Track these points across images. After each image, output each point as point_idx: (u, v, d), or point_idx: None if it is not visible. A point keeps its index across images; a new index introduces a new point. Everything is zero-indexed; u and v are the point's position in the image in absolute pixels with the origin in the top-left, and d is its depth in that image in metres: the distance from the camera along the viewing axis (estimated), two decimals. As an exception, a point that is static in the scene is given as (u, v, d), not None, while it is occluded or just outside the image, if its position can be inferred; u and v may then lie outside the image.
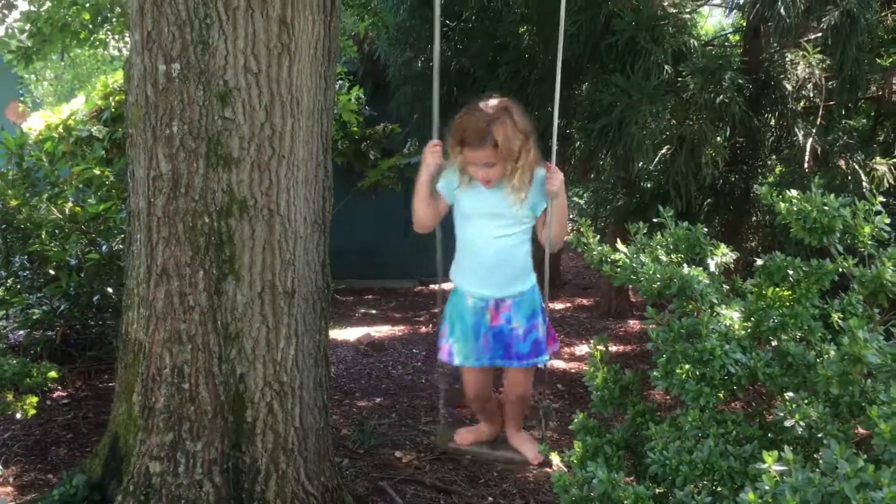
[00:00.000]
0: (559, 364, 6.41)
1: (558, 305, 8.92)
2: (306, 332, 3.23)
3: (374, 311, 8.59)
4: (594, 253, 2.56)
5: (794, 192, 2.32)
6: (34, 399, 3.78)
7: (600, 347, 2.61)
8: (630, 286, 2.51)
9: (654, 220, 2.69)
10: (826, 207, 2.23)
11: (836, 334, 2.21)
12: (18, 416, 3.75)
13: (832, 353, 2.05)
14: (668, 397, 4.89)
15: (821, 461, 1.68)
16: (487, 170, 2.76)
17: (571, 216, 13.71)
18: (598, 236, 2.66)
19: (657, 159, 5.56)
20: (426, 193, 2.89)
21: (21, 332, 5.18)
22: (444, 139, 2.83)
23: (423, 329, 7.71)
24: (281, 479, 3.11)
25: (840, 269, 2.27)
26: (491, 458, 3.34)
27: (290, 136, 3.06)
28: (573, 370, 6.22)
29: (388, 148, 8.81)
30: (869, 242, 2.25)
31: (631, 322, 8.08)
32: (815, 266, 2.27)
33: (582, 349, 6.91)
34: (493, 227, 2.87)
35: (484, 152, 2.71)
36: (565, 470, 2.29)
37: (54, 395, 4.95)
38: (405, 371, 6.21)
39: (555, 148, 2.88)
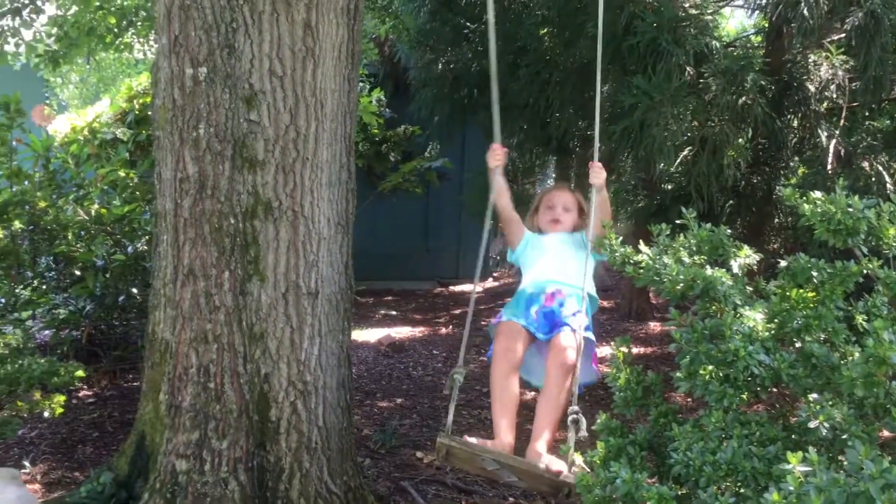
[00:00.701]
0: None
1: (578, 307, 8.90)
2: (329, 333, 3.26)
3: (394, 313, 8.63)
4: (617, 254, 2.56)
5: (818, 194, 2.32)
6: (62, 398, 3.83)
7: (623, 349, 2.61)
8: (651, 288, 2.51)
9: (677, 221, 2.69)
10: (851, 209, 2.23)
11: (860, 336, 2.20)
12: (46, 414, 3.81)
13: (857, 354, 2.05)
14: (689, 400, 4.87)
15: (845, 462, 1.68)
16: (563, 213, 3.41)
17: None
18: (620, 238, 2.66)
19: (678, 161, 5.54)
20: (499, 187, 3.34)
21: (47, 331, 5.25)
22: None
23: (444, 330, 7.73)
24: (304, 478, 3.14)
25: (864, 271, 2.26)
26: (504, 461, 2.73)
27: (314, 138, 3.09)
28: (593, 372, 6.21)
29: (409, 150, 8.84)
30: (894, 244, 2.25)
31: (651, 324, 8.05)
32: (839, 268, 2.26)
33: (602, 351, 6.89)
34: (561, 248, 3.34)
35: (568, 195, 3.48)
36: (588, 470, 2.30)
37: (80, 395, 5.02)
38: (426, 372, 6.23)
39: (597, 146, 3.21)
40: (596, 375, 3.21)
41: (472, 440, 2.87)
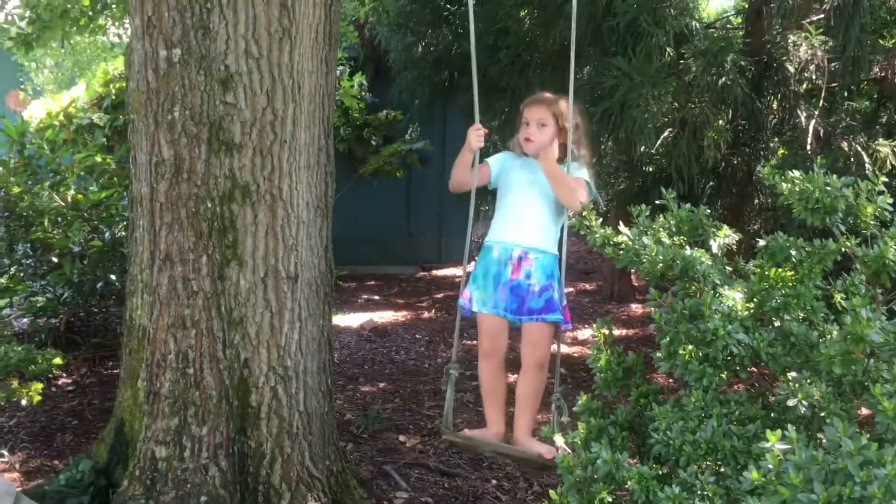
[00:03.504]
0: (562, 348, 6.42)
1: (560, 290, 8.92)
2: (310, 317, 3.24)
3: (376, 297, 8.60)
4: (597, 236, 2.55)
5: (796, 173, 2.32)
6: (39, 386, 3.79)
7: (604, 330, 2.61)
8: (632, 269, 2.51)
9: (657, 202, 2.69)
10: (829, 188, 2.23)
11: (838, 314, 2.21)
12: (24, 402, 3.77)
13: (835, 332, 2.05)
14: (670, 381, 4.90)
15: (824, 440, 1.68)
16: (537, 129, 3.12)
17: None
18: (601, 219, 2.65)
19: (659, 143, 5.54)
20: (468, 162, 3.18)
21: (25, 319, 5.20)
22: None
23: (426, 314, 7.72)
24: (286, 463, 3.13)
25: (843, 250, 2.27)
26: (501, 450, 3.16)
27: (291, 120, 3.06)
28: (576, 354, 6.23)
29: (389, 134, 8.79)
30: (871, 223, 2.25)
31: (633, 306, 8.08)
32: (817, 246, 2.27)
33: (584, 333, 6.92)
34: (532, 189, 3.14)
35: (541, 109, 3.13)
36: (569, 451, 2.30)
37: (59, 382, 4.97)
38: (408, 356, 6.22)
39: (570, 123, 3.07)
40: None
41: (471, 433, 3.22)
